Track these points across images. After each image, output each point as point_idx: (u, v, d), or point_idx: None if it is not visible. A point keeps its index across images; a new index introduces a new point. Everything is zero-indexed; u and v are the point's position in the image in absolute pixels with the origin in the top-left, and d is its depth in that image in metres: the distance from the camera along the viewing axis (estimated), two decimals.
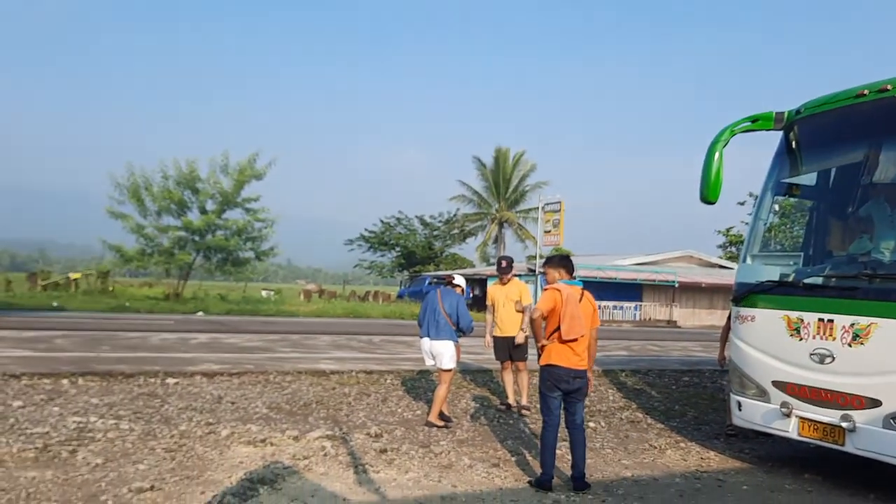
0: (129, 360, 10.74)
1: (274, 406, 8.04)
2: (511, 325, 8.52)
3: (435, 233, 53.24)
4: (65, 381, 8.65)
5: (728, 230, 45.43)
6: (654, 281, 34.93)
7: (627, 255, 40.04)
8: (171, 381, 9.09)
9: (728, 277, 32.86)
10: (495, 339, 8.75)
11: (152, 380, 9.09)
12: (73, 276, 34.35)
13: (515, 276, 9.00)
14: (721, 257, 43.53)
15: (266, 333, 17.26)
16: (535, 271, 31.35)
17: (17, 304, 23.60)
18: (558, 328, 5.47)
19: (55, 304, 24.35)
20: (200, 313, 24.92)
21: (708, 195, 6.55)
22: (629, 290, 34.93)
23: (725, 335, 7.96)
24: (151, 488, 4.93)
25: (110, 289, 31.76)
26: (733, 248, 44.32)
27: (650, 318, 35.38)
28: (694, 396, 10.24)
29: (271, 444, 6.33)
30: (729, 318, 7.49)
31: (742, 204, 39.77)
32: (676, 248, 39.87)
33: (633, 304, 35.20)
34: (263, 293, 40.47)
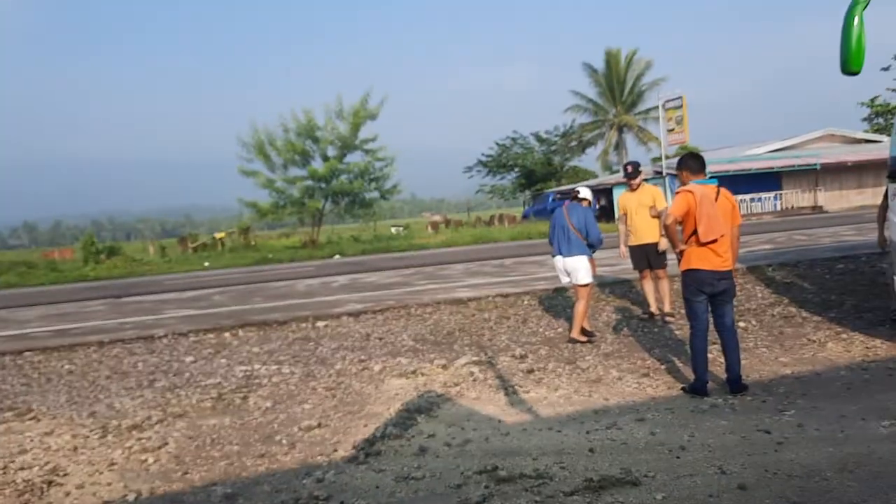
0: (281, 309, 11.42)
1: (419, 338, 8.31)
2: (647, 231, 8.26)
3: (552, 148, 52.15)
4: (227, 335, 9.34)
5: (873, 100, 41.38)
6: (794, 166, 32.65)
7: (761, 142, 37.59)
8: (320, 324, 9.60)
9: (877, 152, 30.31)
10: (632, 248, 8.54)
11: (304, 325, 9.63)
12: (218, 235, 36.70)
13: (644, 180, 8.68)
14: (867, 131, 39.90)
15: (401, 269, 17.78)
16: (662, 173, 30.16)
17: (174, 268, 25.58)
18: (696, 231, 5.23)
19: (206, 263, 26.20)
20: (337, 256, 26.03)
21: (850, 65, 5.90)
22: (766, 180, 32.91)
23: (883, 215, 7.33)
24: (319, 425, 5.26)
25: (252, 243, 33.70)
26: (880, 120, 40.39)
27: (793, 207, 33.28)
28: (851, 284, 9.60)
29: (422, 375, 6.56)
30: (885, 195, 6.87)
31: (886, 69, 36.05)
32: (815, 129, 36.93)
33: (772, 194, 33.20)
34: (393, 230, 41.59)
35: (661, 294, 8.48)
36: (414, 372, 6.66)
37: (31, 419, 6.01)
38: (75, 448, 5.12)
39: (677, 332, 7.60)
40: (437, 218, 48.37)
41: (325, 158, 30.60)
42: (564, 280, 7.72)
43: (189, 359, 8.02)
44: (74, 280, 23.47)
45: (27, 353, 8.94)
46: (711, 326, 5.50)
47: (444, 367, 6.79)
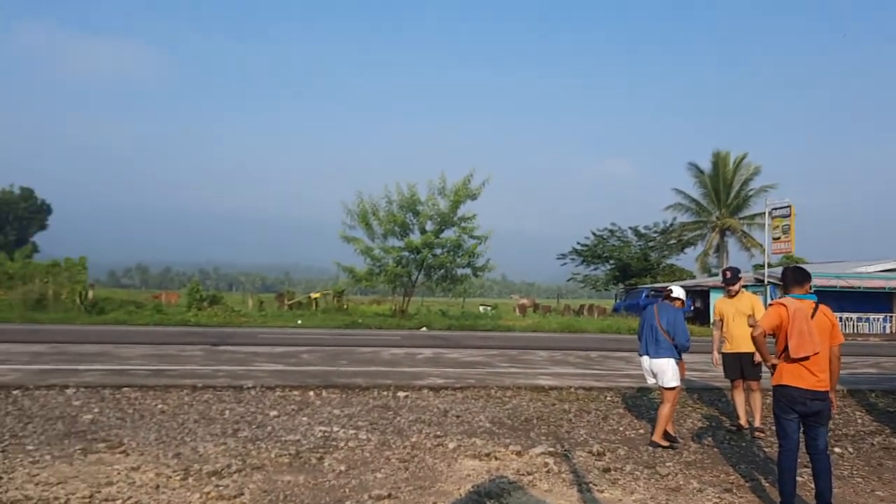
0: (364, 374, 11.64)
1: (496, 420, 8.28)
2: (744, 340, 7.98)
3: (650, 243, 51.42)
4: (311, 393, 9.59)
5: None
6: None
7: (873, 261, 35.81)
8: (401, 394, 9.73)
9: None
10: (725, 355, 8.31)
11: (385, 393, 9.78)
12: (313, 295, 37.78)
13: (743, 287, 8.51)
14: None
15: (485, 348, 17.78)
16: (763, 281, 29.17)
17: (269, 322, 26.49)
18: (787, 346, 5.10)
19: (299, 321, 27.01)
20: (424, 329, 26.30)
21: None
22: (877, 300, 31.20)
23: None
24: (389, 496, 5.31)
25: (345, 307, 34.48)
26: None
27: None
28: None
29: (495, 459, 6.53)
30: None
31: None
32: None
33: (881, 316, 31.38)
34: (481, 308, 41.66)
35: (752, 407, 8.17)
36: (488, 455, 6.64)
37: (120, 452, 6.32)
38: (157, 486, 5.35)
39: (766, 450, 7.27)
40: (525, 301, 48.15)
41: (423, 232, 31.29)
42: (650, 381, 7.58)
43: (273, 413, 8.28)
44: (177, 323, 24.65)
45: (125, 389, 9.45)
46: (803, 448, 5.27)
47: (519, 453, 6.74)
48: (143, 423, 7.62)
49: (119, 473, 5.63)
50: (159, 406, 8.52)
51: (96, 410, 8.11)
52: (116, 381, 9.97)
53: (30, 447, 6.36)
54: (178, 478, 5.58)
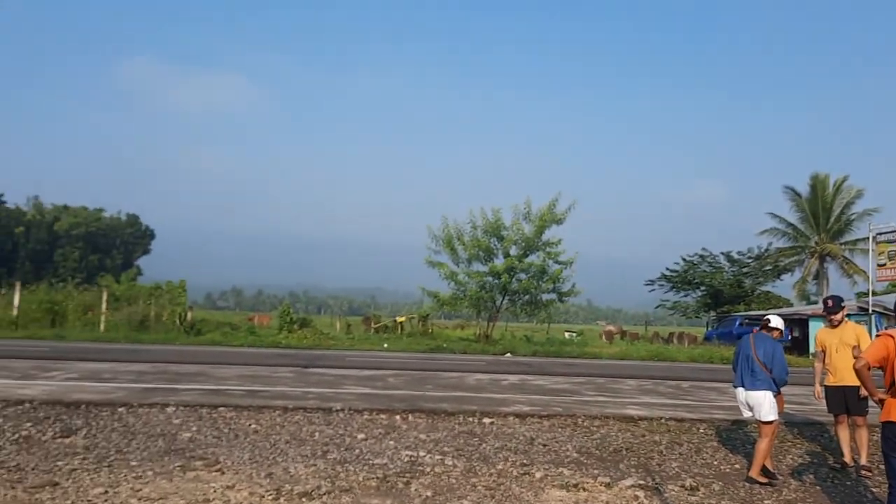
0: (450, 399, 11.67)
1: (584, 450, 8.14)
2: (848, 372, 7.54)
3: (744, 269, 49.52)
4: (397, 417, 9.69)
5: None
6: None
7: None
8: (486, 420, 9.70)
9: None
10: (828, 388, 7.91)
11: (471, 419, 9.77)
12: (398, 319, 38.27)
13: (846, 316, 8.09)
14: None
15: (571, 376, 17.52)
16: (868, 310, 27.60)
17: (356, 345, 26.99)
18: (894, 381, 4.82)
19: (385, 345, 27.38)
20: (508, 355, 26.15)
21: None
22: None
23: None
24: None
25: (429, 331, 34.72)
26: None
27: None
28: None
29: (584, 490, 6.41)
30: None
31: None
32: None
33: None
34: (566, 335, 41.10)
35: (857, 444, 7.72)
36: (576, 485, 6.52)
37: (216, 471, 6.55)
38: None
39: (874, 490, 6.85)
40: (612, 328, 47.22)
41: (507, 256, 31.23)
42: (746, 414, 7.28)
43: (361, 436, 8.41)
44: (269, 345, 25.42)
45: (222, 409, 9.79)
46: None
47: (608, 485, 6.59)
48: (238, 442, 7.87)
49: (215, 491, 5.83)
50: (253, 426, 8.79)
51: (194, 429, 8.45)
52: (213, 401, 10.36)
53: (133, 463, 6.69)
54: (270, 497, 5.74)
